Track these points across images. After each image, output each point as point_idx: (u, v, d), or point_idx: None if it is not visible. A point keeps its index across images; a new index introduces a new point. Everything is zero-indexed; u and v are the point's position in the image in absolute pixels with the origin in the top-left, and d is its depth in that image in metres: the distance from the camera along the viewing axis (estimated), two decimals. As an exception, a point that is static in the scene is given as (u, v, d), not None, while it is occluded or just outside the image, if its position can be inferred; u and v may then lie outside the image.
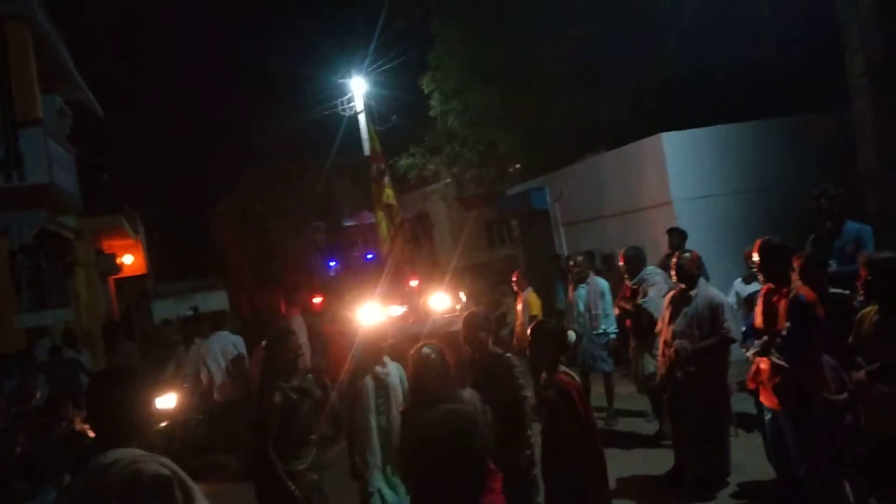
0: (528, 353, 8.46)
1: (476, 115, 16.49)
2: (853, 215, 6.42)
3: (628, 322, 7.18)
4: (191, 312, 17.22)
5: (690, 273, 5.72)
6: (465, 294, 11.39)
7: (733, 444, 5.88)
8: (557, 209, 13.83)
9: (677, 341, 5.58)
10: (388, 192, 13.32)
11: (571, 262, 8.64)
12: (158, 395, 7.18)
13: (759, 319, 4.70)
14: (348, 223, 29.87)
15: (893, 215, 8.15)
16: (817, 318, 4.38)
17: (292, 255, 31.20)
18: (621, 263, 7.20)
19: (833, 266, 5.65)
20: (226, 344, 8.71)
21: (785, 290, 4.53)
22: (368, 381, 4.64)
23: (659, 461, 6.21)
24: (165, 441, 7.07)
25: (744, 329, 5.01)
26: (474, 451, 2.08)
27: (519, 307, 9.15)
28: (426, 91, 17.09)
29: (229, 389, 8.42)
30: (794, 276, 4.70)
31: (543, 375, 4.19)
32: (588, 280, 8.05)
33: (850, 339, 4.29)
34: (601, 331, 7.82)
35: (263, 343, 4.93)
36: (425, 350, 4.00)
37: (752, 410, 5.82)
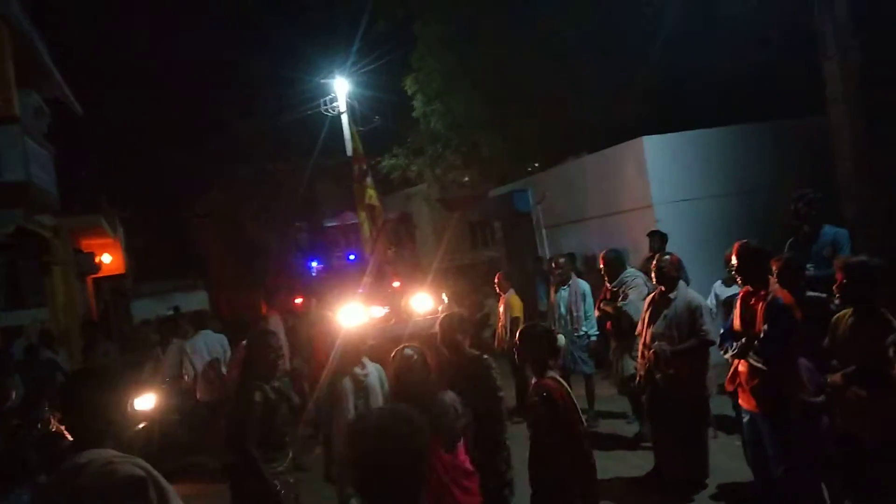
0: (513, 354, 8.55)
1: (458, 116, 16.51)
2: (832, 219, 6.50)
3: (609, 324, 7.22)
4: (171, 312, 17.10)
5: (670, 275, 5.76)
6: (447, 296, 11.40)
7: (713, 446, 5.92)
8: (540, 211, 13.88)
9: (656, 343, 5.62)
10: (371, 192, 13.31)
11: (553, 264, 8.68)
12: (136, 396, 7.13)
13: (737, 322, 4.74)
14: (330, 224, 29.76)
15: (869, 220, 8.28)
16: (794, 320, 4.43)
17: (274, 255, 31.01)
18: (601, 266, 7.24)
19: (811, 269, 5.72)
20: (212, 343, 8.65)
21: (763, 293, 4.57)
22: (347, 383, 4.62)
23: (639, 463, 6.24)
24: (144, 442, 7.00)
25: (721, 331, 5.06)
26: (413, 453, 2.08)
27: (501, 309, 9.17)
28: (409, 92, 17.08)
29: (216, 388, 8.35)
30: (773, 280, 4.75)
31: (533, 380, 4.13)
32: (570, 282, 8.09)
33: (826, 342, 4.34)
34: (582, 333, 7.85)
35: (243, 343, 4.91)
36: (407, 351, 3.99)
37: (732, 413, 5.88)
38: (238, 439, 4.26)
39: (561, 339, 4.17)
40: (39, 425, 5.01)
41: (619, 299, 6.98)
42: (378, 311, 9.85)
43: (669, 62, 12.36)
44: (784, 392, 4.44)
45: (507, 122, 15.80)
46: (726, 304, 5.97)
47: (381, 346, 5.50)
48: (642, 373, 5.85)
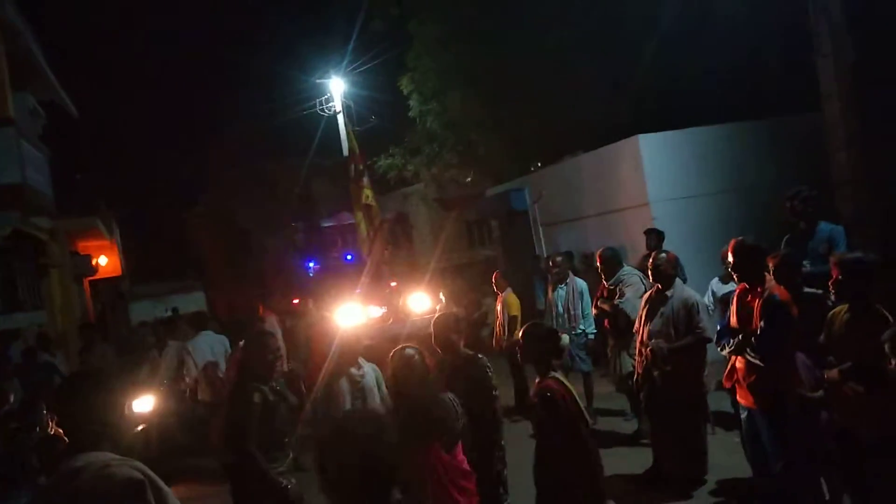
0: (511, 354, 8.56)
1: (455, 116, 16.51)
2: (828, 216, 6.51)
3: (606, 322, 7.23)
4: (169, 314, 17.08)
5: (667, 273, 5.77)
6: (444, 295, 11.42)
7: (711, 443, 5.94)
8: (537, 210, 13.89)
9: (653, 341, 5.63)
10: (368, 192, 13.34)
11: (551, 263, 8.69)
12: (134, 398, 7.12)
13: (733, 319, 4.74)
14: (327, 224, 29.75)
15: (865, 217, 8.29)
16: (791, 317, 4.43)
17: (271, 256, 30.99)
18: (598, 264, 7.25)
19: (807, 266, 5.72)
20: (214, 343, 8.64)
21: (759, 290, 4.58)
22: (343, 384, 4.60)
23: (638, 460, 6.25)
24: (142, 444, 6.99)
25: (718, 328, 5.06)
26: (379, 455, 2.09)
27: (498, 308, 9.18)
28: (405, 92, 17.07)
29: (217, 389, 8.33)
30: (769, 276, 4.75)
31: (536, 380, 4.10)
32: (567, 280, 8.10)
33: (822, 338, 4.35)
34: (580, 331, 7.87)
35: (241, 344, 4.90)
36: (408, 351, 3.98)
37: (730, 409, 5.89)
38: (237, 440, 4.26)
39: (565, 338, 4.15)
40: (38, 428, 5.01)
41: (616, 297, 6.99)
42: (375, 311, 9.88)
43: (665, 60, 12.38)
44: (781, 388, 4.45)
45: (503, 121, 15.80)
46: (723, 301, 5.98)
47: (379, 345, 5.51)
48: (640, 370, 5.86)
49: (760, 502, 4.87)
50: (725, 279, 6.90)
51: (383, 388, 4.59)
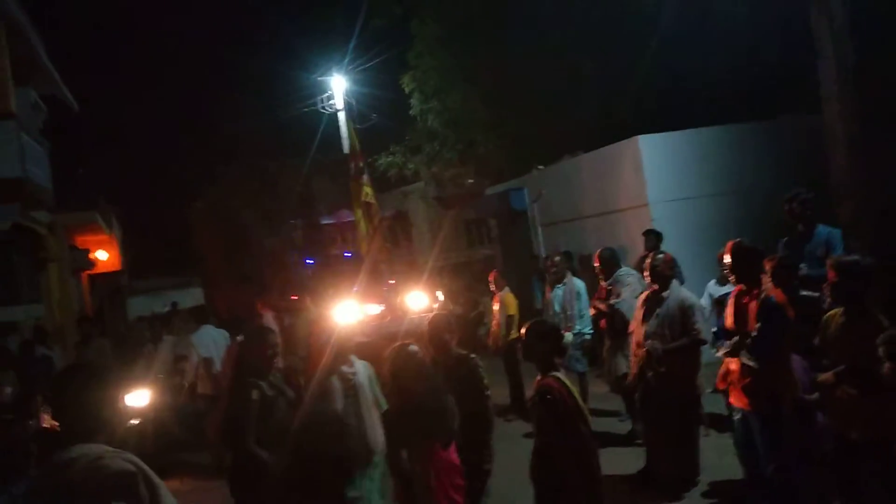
0: (507, 353, 8.56)
1: (455, 114, 16.52)
2: (826, 219, 6.52)
3: (602, 322, 7.23)
4: (169, 309, 17.10)
5: (663, 274, 5.77)
6: (442, 293, 11.42)
7: (704, 444, 5.94)
8: (536, 210, 13.89)
9: (648, 342, 5.63)
10: (367, 190, 13.32)
11: (549, 263, 8.69)
12: (129, 392, 7.13)
13: (729, 321, 4.75)
14: (327, 221, 29.73)
15: (863, 219, 8.30)
16: (787, 319, 4.44)
17: (270, 252, 30.98)
18: (596, 264, 7.25)
19: (804, 269, 5.73)
20: (216, 337, 8.65)
21: (755, 292, 4.59)
22: (335, 382, 4.58)
23: (631, 460, 6.25)
24: (138, 438, 7.00)
25: (714, 330, 5.07)
26: (337, 454, 2.12)
27: (496, 307, 9.18)
28: (406, 90, 17.08)
29: (216, 383, 8.33)
30: (766, 278, 4.76)
31: (537, 378, 4.10)
32: (565, 280, 8.10)
33: (817, 341, 4.36)
34: (576, 331, 7.86)
35: (239, 339, 4.89)
36: (412, 348, 3.98)
37: (724, 411, 5.90)
38: (235, 437, 4.25)
39: (568, 337, 4.15)
40: (33, 422, 5.01)
41: (612, 297, 7.00)
42: (373, 309, 9.87)
43: (665, 61, 12.39)
44: (776, 390, 4.46)
45: (503, 121, 15.82)
46: (718, 303, 5.98)
47: (376, 343, 5.49)
48: (634, 371, 5.87)
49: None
50: (722, 281, 6.90)
51: (375, 386, 4.57)
